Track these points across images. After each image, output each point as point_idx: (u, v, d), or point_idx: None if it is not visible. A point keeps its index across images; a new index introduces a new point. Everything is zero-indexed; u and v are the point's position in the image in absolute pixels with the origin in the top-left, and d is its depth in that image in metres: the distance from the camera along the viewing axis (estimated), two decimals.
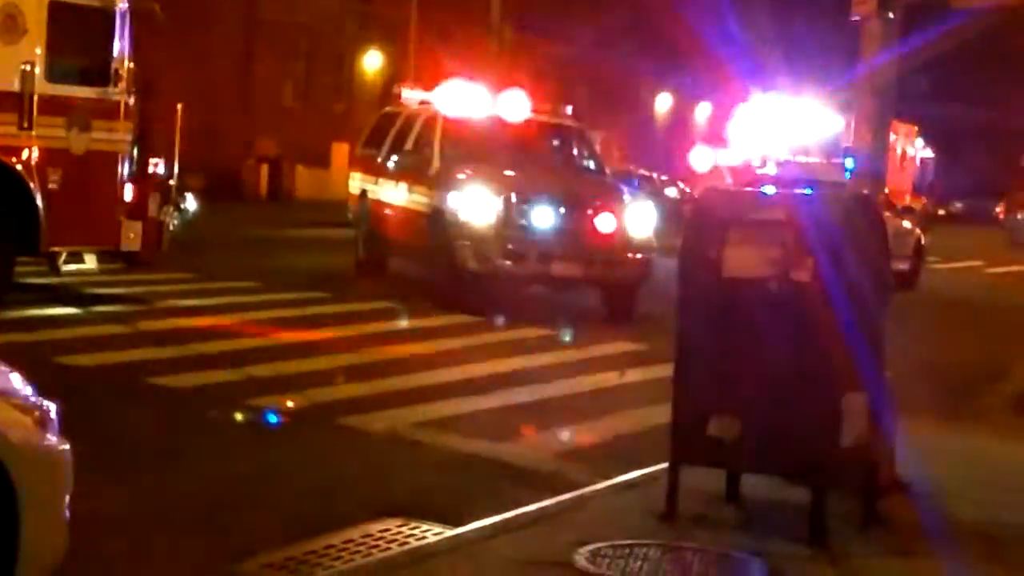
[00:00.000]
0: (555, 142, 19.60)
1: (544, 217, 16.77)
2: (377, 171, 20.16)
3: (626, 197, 17.80)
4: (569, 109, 19.96)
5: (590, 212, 16.92)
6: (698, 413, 7.07)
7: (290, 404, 10.23)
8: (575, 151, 19.57)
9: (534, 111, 19.10)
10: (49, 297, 14.77)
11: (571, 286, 17.34)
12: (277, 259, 22.11)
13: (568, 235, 16.69)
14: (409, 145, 19.12)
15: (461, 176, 17.27)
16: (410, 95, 20.92)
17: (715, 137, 40.88)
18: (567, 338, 14.52)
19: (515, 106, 18.83)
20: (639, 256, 16.99)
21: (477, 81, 20.16)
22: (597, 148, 21.16)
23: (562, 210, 16.83)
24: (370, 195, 20.27)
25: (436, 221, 17.22)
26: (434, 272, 17.39)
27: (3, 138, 13.58)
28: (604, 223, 16.85)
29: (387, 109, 21.80)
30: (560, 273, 16.64)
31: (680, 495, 7.21)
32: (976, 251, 38.23)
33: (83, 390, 9.84)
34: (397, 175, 19.22)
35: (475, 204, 16.74)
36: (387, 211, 19.48)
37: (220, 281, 17.54)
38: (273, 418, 9.79)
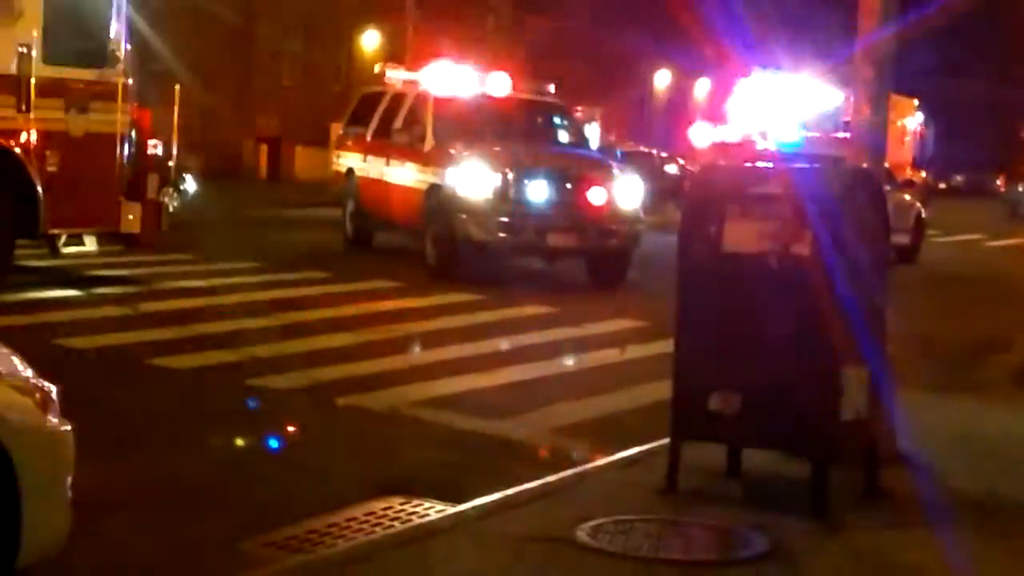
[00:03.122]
0: (541, 119, 20.12)
1: (538, 191, 17.41)
2: (364, 149, 20.64)
3: (615, 171, 18.43)
4: (552, 87, 20.55)
5: (582, 185, 17.61)
6: (698, 388, 7.07)
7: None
8: (560, 127, 20.14)
9: (515, 90, 19.80)
10: (49, 279, 14.78)
11: (565, 256, 18.09)
12: (277, 239, 22.16)
13: (562, 208, 17.43)
14: (399, 124, 19.55)
15: (456, 153, 17.76)
16: (394, 75, 21.41)
17: (715, 113, 40.79)
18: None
19: (499, 85, 19.58)
20: (628, 226, 17.77)
21: (474, 60, 20.57)
22: (596, 125, 21.61)
23: (555, 184, 17.52)
24: (358, 173, 20.71)
25: (433, 196, 17.76)
26: (431, 246, 17.74)
27: (1, 121, 13.57)
28: (595, 196, 17.58)
29: (369, 89, 22.28)
30: (555, 244, 17.42)
31: (681, 470, 7.22)
32: (977, 224, 38.24)
33: (83, 372, 9.86)
34: (387, 152, 19.62)
35: (472, 179, 17.31)
36: (376, 188, 19.92)
37: (220, 262, 17.55)
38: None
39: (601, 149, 22.54)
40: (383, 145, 19.86)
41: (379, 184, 19.84)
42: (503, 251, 17.58)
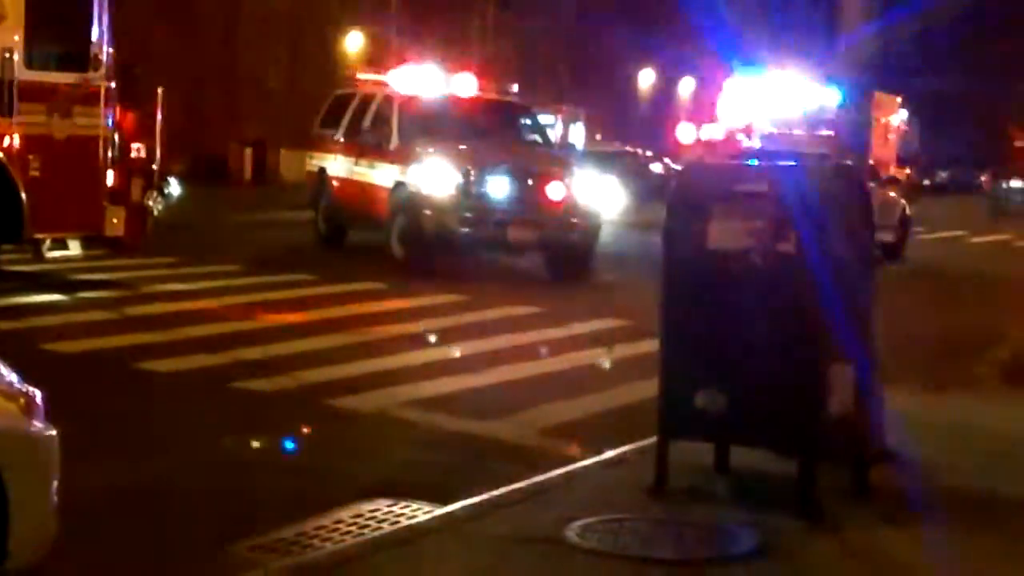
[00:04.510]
0: (504, 118, 20.76)
1: (499, 187, 18.17)
2: (335, 149, 21.37)
3: (574, 167, 19.38)
4: (515, 87, 21.65)
5: (541, 181, 18.33)
6: (685, 387, 7.07)
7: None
8: (522, 126, 20.87)
9: (481, 90, 20.70)
10: (33, 284, 14.73)
11: (525, 249, 18.80)
12: (262, 241, 22.14)
13: (521, 203, 18.19)
14: (367, 123, 20.38)
15: (421, 151, 18.53)
16: (364, 76, 22.65)
17: (700, 113, 40.80)
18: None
19: (465, 86, 20.49)
20: (588, 221, 18.53)
21: (457, 61, 21.21)
22: (581, 125, 22.13)
23: (515, 180, 18.26)
24: (329, 172, 21.42)
25: (398, 193, 18.57)
26: (397, 241, 18.52)
27: None
28: (554, 191, 18.29)
29: (340, 91, 23.05)
30: (514, 238, 18.12)
31: (669, 469, 7.21)
32: (962, 221, 38.33)
33: (69, 376, 9.81)
34: (357, 152, 20.41)
35: (435, 176, 18.09)
36: (347, 186, 20.67)
37: (205, 265, 17.51)
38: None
39: (562, 146, 23.30)
40: (352, 145, 20.63)
41: (349, 183, 20.59)
42: (465, 245, 18.16)
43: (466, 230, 17.92)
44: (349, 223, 21.11)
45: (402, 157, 18.88)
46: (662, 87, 65.88)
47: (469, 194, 18.03)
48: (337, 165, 21.17)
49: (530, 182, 18.27)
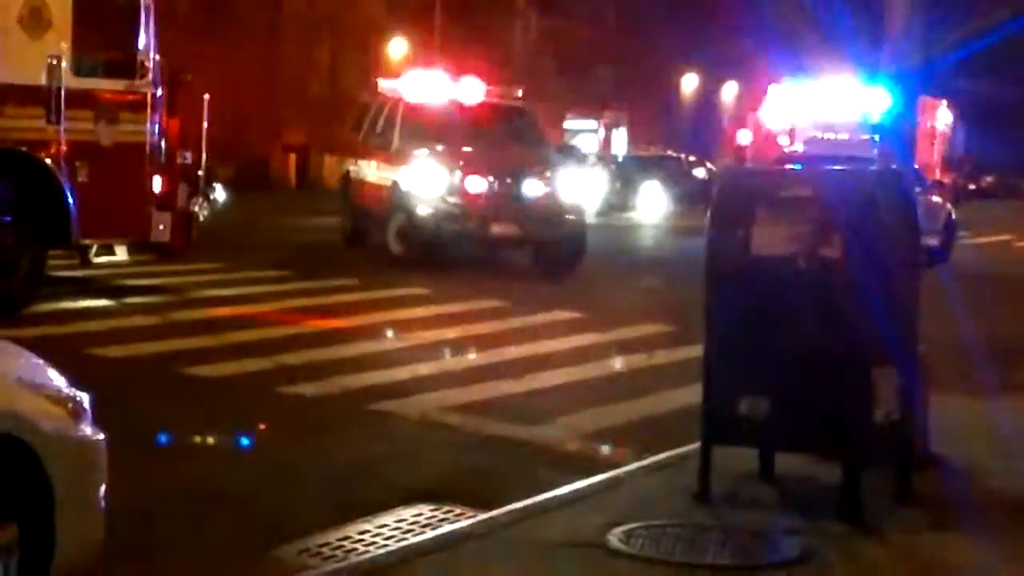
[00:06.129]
0: (501, 120, 21.56)
1: (484, 185, 19.31)
2: (355, 153, 22.83)
3: (558, 167, 20.39)
4: (520, 92, 22.45)
5: (524, 180, 19.48)
6: (729, 392, 7.05)
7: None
8: (519, 128, 21.61)
9: (486, 94, 21.49)
10: (80, 289, 14.85)
11: (508, 245, 20.10)
12: (306, 247, 22.27)
13: (505, 200, 19.31)
14: (379, 128, 21.72)
15: (413, 153, 19.77)
16: (384, 84, 23.49)
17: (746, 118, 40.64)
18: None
19: (469, 90, 21.35)
20: (570, 217, 19.69)
21: (500, 67, 21.68)
22: (624, 130, 22.63)
23: (499, 179, 19.41)
24: (352, 175, 22.76)
25: (395, 192, 19.87)
26: (394, 237, 19.74)
27: (32, 132, 13.63)
28: (534, 189, 19.46)
29: (365, 99, 24.32)
30: (498, 233, 19.39)
31: (713, 474, 7.19)
32: (1007, 225, 38.02)
33: (116, 381, 9.88)
34: (369, 155, 21.80)
35: (425, 176, 19.33)
36: (363, 188, 21.96)
37: (250, 270, 17.61)
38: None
39: (553, 147, 24.02)
40: (367, 148, 21.97)
41: (365, 184, 21.81)
42: (452, 240, 19.20)
43: (453, 226, 19.06)
44: (367, 222, 22.09)
45: (399, 158, 20.13)
46: (706, 92, 65.72)
47: (455, 191, 19.15)
48: (357, 168, 22.44)
49: (512, 180, 19.36)
